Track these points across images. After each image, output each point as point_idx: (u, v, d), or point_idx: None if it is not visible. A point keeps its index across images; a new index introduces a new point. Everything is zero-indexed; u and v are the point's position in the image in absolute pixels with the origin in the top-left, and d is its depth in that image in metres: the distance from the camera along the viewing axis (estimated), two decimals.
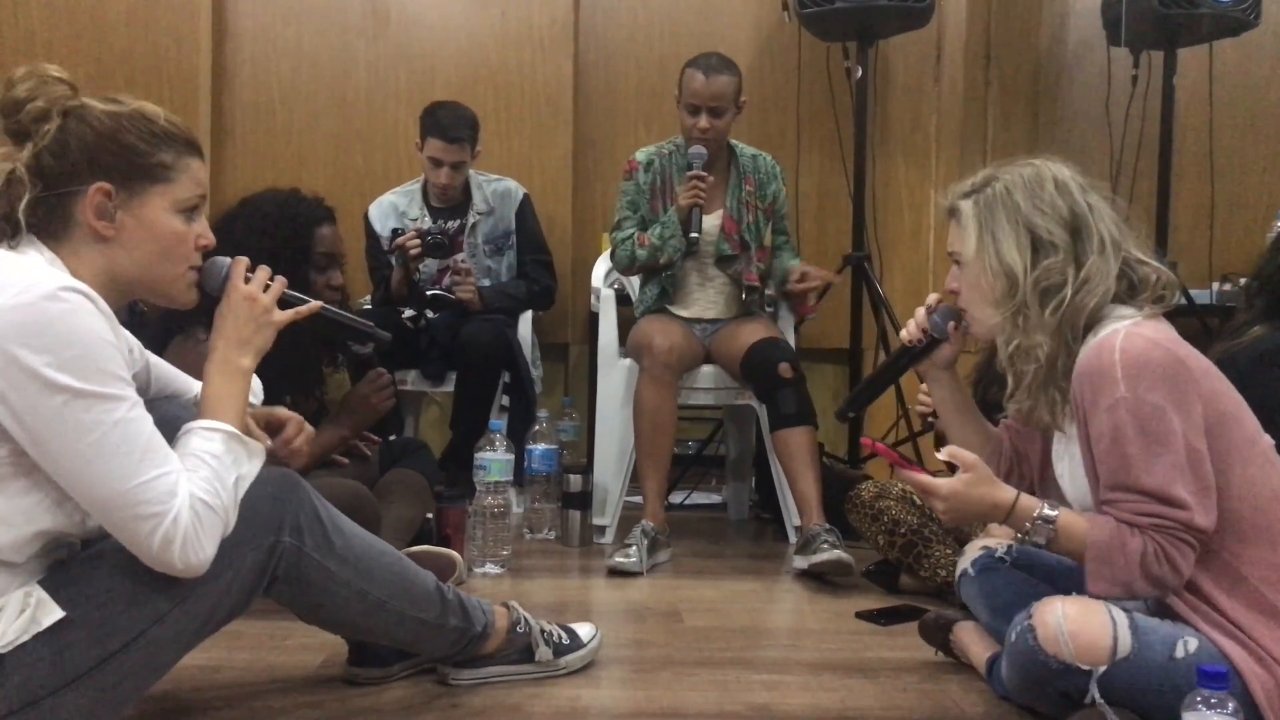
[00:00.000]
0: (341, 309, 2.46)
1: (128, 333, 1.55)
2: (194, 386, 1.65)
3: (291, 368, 2.31)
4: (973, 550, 1.88)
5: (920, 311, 1.81)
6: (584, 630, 1.92)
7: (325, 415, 2.50)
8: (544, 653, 1.82)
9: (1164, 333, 1.52)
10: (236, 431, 1.41)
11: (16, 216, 1.32)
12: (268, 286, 1.52)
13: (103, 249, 1.37)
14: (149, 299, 1.46)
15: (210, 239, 1.48)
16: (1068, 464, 1.64)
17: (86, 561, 1.35)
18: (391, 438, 2.63)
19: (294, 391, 2.36)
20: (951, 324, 1.77)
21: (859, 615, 2.29)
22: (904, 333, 1.83)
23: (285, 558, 1.48)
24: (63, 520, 1.31)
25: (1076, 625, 1.46)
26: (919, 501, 2.46)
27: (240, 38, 3.90)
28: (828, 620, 2.28)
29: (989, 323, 1.64)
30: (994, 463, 1.73)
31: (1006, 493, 1.56)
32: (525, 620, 1.83)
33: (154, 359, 1.63)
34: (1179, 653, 1.45)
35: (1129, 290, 1.57)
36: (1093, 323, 1.55)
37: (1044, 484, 1.75)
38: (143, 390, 1.55)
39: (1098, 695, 1.44)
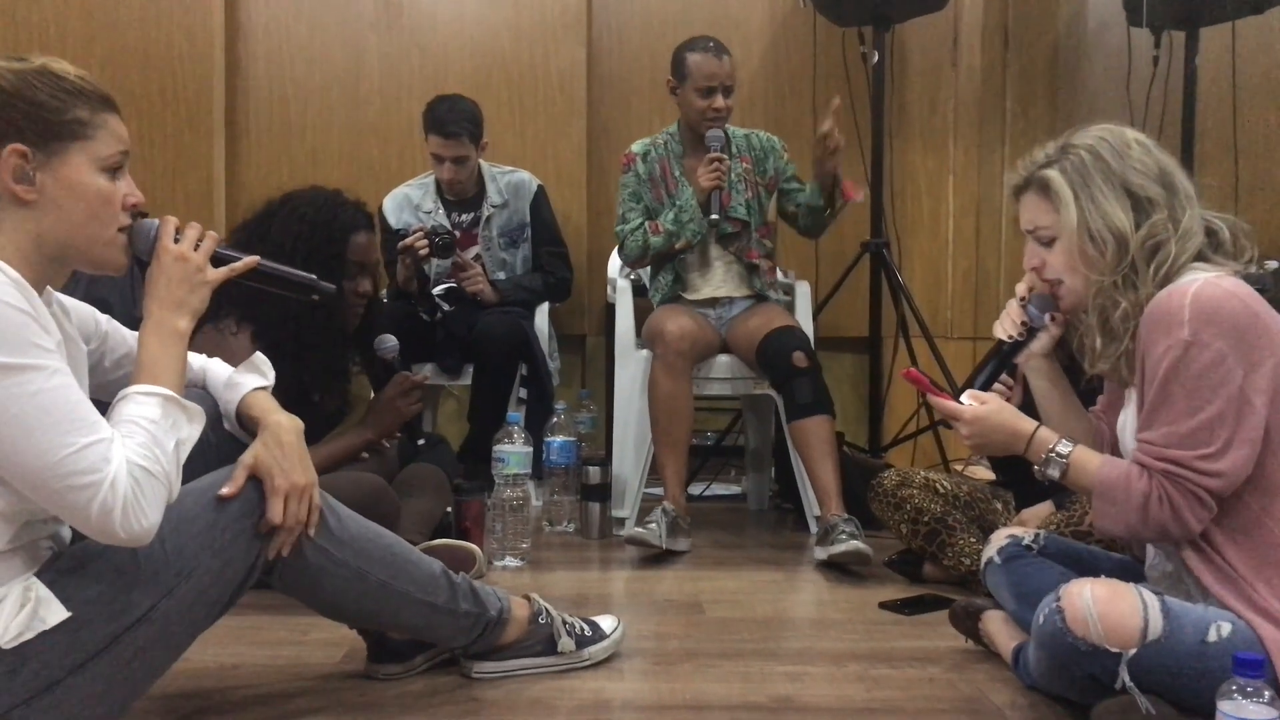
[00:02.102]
0: (369, 317, 2.48)
1: (90, 308, 1.51)
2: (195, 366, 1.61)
3: (322, 365, 2.32)
4: (999, 539, 1.85)
5: (1013, 304, 1.76)
6: (606, 622, 1.91)
7: (349, 412, 2.50)
8: (566, 643, 1.81)
9: (1243, 289, 1.48)
10: (174, 395, 1.34)
11: None
12: (199, 245, 1.44)
13: (25, 215, 1.30)
14: (79, 266, 1.39)
15: (139, 197, 1.41)
16: (1130, 412, 1.60)
17: (85, 550, 1.34)
18: (420, 442, 2.62)
19: (322, 389, 2.36)
20: (1048, 315, 1.72)
21: (882, 605, 2.27)
22: (998, 328, 1.78)
23: None
24: (17, 501, 1.27)
25: (1105, 607, 1.44)
26: (942, 490, 2.44)
27: (253, 33, 3.90)
28: (851, 610, 2.26)
29: (1085, 291, 1.60)
30: (1098, 449, 1.68)
31: (1027, 424, 1.62)
32: (547, 611, 1.82)
33: (127, 334, 1.56)
34: (1212, 636, 1.42)
35: (1211, 245, 1.55)
36: (1172, 275, 1.52)
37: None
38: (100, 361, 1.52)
39: (1127, 678, 1.42)
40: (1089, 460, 1.56)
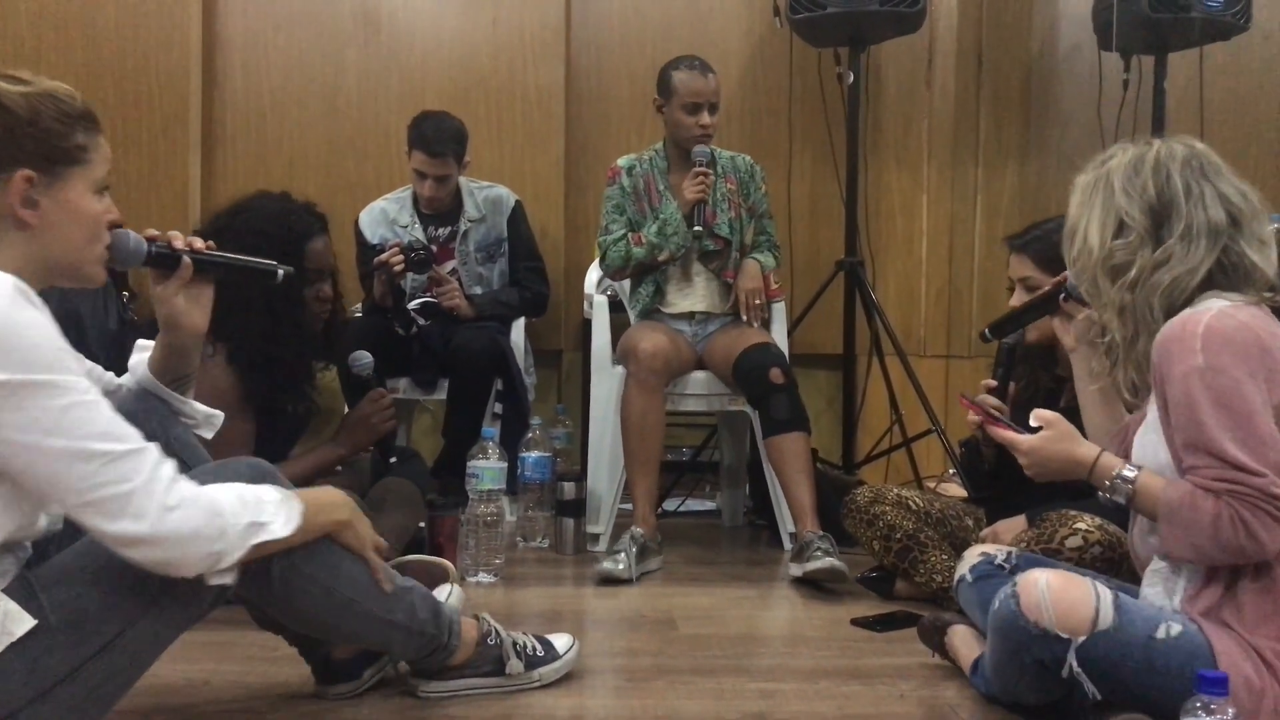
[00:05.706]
0: (333, 321, 2.47)
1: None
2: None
3: (290, 373, 2.31)
4: (971, 556, 1.87)
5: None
6: (560, 641, 1.88)
7: (315, 416, 2.48)
8: (515, 665, 1.78)
9: (1259, 320, 1.48)
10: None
11: None
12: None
13: (24, 237, 1.32)
14: (63, 283, 1.41)
15: (116, 214, 1.44)
16: (1150, 436, 1.59)
17: (50, 570, 1.33)
18: (393, 460, 2.61)
19: (286, 393, 2.35)
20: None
21: (854, 622, 2.28)
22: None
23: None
24: (16, 523, 1.29)
25: (1059, 594, 1.49)
26: (914, 507, 2.45)
27: (230, 45, 3.89)
28: (823, 627, 2.27)
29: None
30: (1116, 444, 1.72)
31: (1088, 450, 1.60)
32: (496, 632, 1.80)
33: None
34: (1160, 634, 1.46)
35: (1232, 281, 1.54)
36: (1184, 305, 1.53)
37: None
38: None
39: (1075, 663, 1.47)
40: (1154, 484, 1.52)
